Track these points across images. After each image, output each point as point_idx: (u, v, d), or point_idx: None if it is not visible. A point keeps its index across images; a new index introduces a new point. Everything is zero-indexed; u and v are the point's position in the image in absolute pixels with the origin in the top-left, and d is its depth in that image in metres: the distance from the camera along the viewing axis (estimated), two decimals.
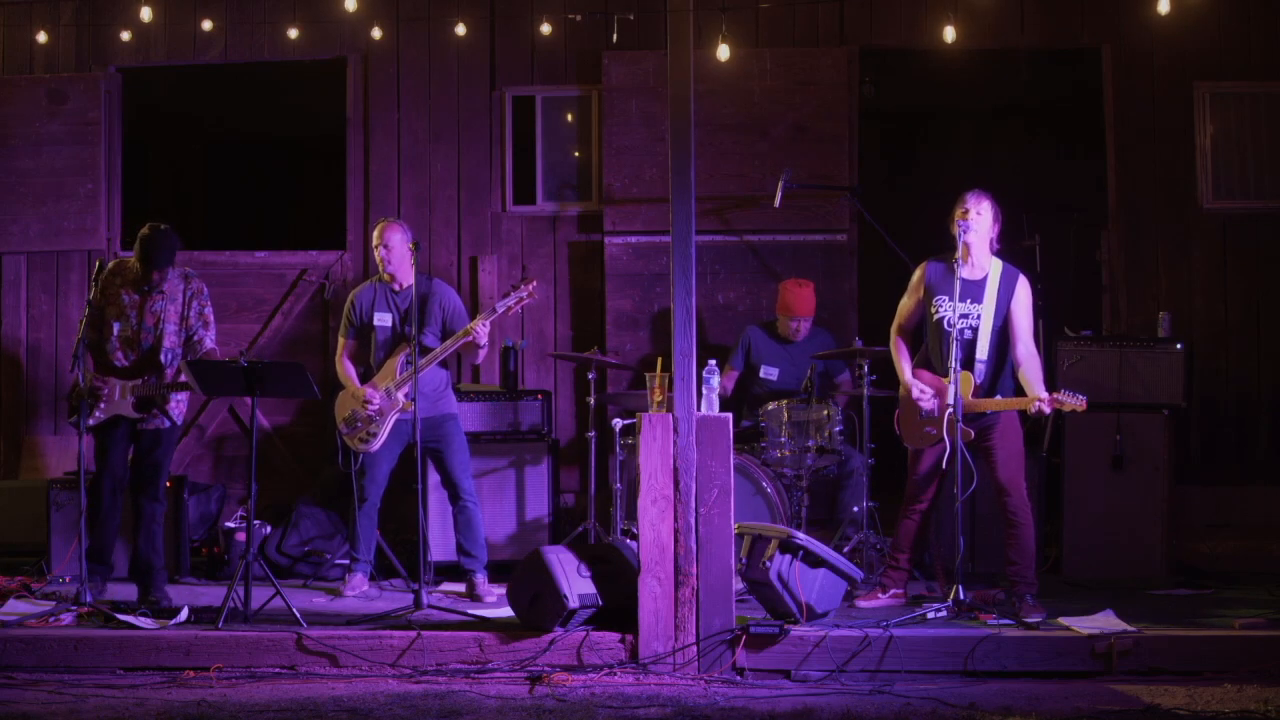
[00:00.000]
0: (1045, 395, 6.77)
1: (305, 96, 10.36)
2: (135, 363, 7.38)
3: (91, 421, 7.23)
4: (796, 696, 5.99)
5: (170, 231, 7.39)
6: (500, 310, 7.48)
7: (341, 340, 7.83)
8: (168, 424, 7.42)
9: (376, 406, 7.55)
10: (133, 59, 9.47)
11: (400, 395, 7.52)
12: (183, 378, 7.35)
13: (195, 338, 7.44)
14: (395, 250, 7.65)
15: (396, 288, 7.69)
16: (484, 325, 7.44)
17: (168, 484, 8.09)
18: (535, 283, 7.52)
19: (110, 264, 7.53)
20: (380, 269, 7.70)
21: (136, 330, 7.36)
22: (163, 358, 7.36)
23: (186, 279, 7.48)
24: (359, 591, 7.65)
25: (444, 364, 7.67)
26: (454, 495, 7.73)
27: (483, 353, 7.60)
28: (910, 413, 7.10)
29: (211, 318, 7.52)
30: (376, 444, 7.59)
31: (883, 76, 10.32)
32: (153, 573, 7.40)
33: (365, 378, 7.72)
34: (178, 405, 7.44)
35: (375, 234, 7.72)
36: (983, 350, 6.95)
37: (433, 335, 7.62)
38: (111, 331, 7.34)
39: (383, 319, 7.68)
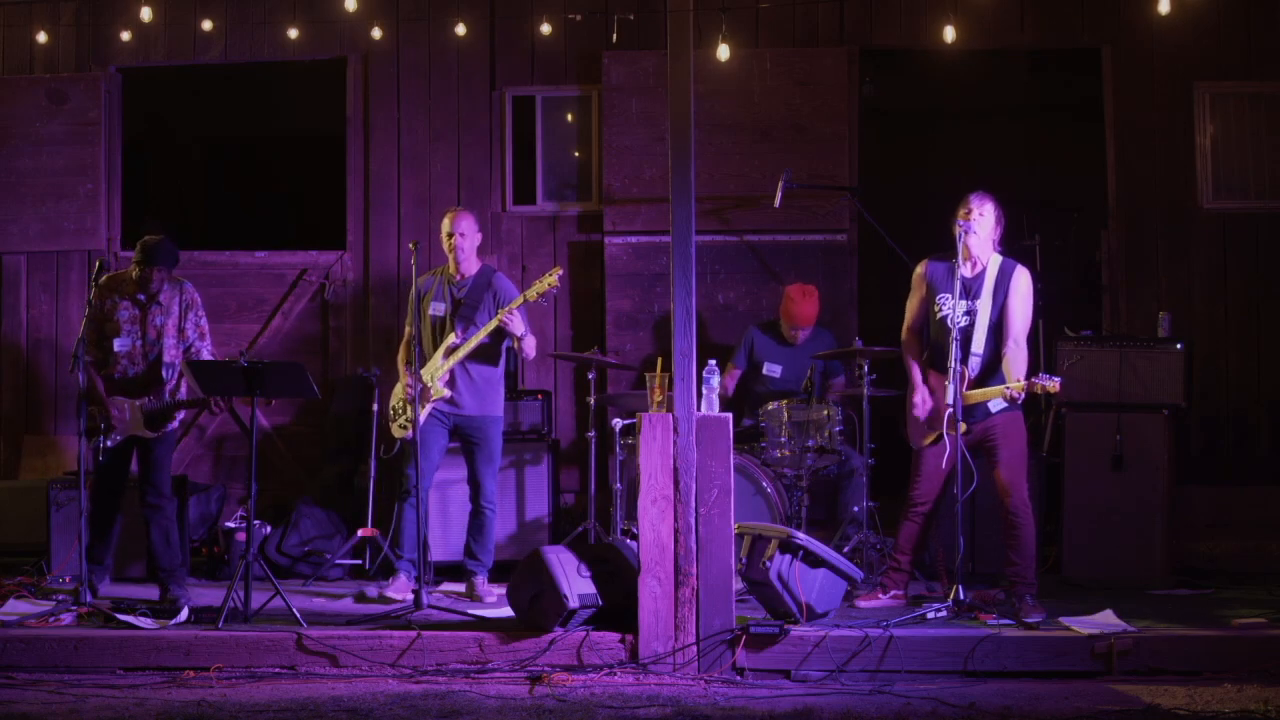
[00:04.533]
0: (1020, 381, 6.78)
1: (305, 96, 10.35)
2: (138, 377, 7.40)
3: (110, 444, 7.28)
4: (796, 696, 6.00)
5: (168, 240, 7.48)
6: (528, 300, 7.48)
7: (406, 330, 7.82)
8: (167, 429, 7.47)
9: (414, 394, 7.48)
10: (133, 59, 9.47)
11: (440, 383, 7.51)
12: (182, 394, 7.43)
13: (193, 349, 7.47)
14: (468, 237, 7.63)
15: (457, 277, 7.67)
16: (513, 315, 7.43)
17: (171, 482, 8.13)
18: (561, 271, 7.54)
19: (104, 278, 7.47)
20: (450, 259, 7.66)
21: (139, 345, 7.39)
22: (164, 373, 7.39)
23: (180, 289, 7.48)
24: (404, 594, 7.33)
25: (489, 359, 7.60)
26: (475, 494, 7.68)
27: (526, 343, 7.53)
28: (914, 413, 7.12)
29: (207, 328, 7.54)
30: (412, 431, 7.46)
31: (883, 76, 10.32)
32: (173, 573, 7.43)
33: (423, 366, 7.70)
34: (178, 415, 7.54)
35: (446, 222, 7.68)
36: (978, 344, 6.95)
37: (484, 326, 7.60)
38: (113, 347, 7.35)
39: (436, 308, 7.67)
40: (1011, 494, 6.90)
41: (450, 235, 7.66)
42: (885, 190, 9.67)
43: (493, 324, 7.49)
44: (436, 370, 7.55)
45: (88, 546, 7.36)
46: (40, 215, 9.39)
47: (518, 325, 7.46)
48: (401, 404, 7.68)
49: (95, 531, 7.47)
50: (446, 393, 7.41)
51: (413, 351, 7.58)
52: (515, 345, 7.60)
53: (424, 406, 7.52)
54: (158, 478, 7.44)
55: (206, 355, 7.48)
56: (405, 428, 7.63)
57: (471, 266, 7.69)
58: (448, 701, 5.91)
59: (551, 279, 7.46)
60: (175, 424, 7.53)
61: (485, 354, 7.60)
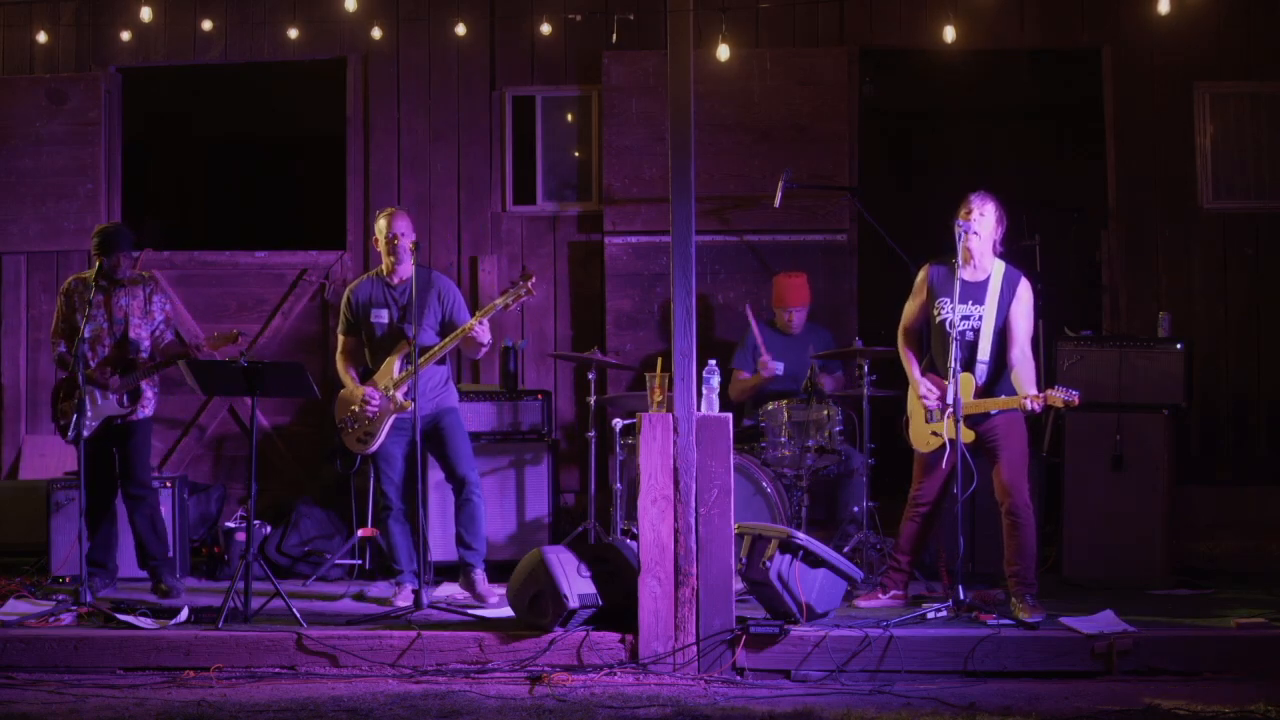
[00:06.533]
0: (1034, 393, 6.78)
1: (305, 96, 10.35)
2: (106, 359, 7.48)
3: (86, 433, 7.30)
4: (796, 696, 6.00)
5: (123, 226, 7.75)
6: (499, 308, 7.32)
7: (341, 338, 7.64)
8: (141, 415, 7.54)
9: (376, 407, 7.35)
10: (133, 59, 9.48)
11: (399, 395, 7.32)
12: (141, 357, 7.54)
13: (157, 333, 7.60)
14: (408, 237, 7.42)
15: (395, 280, 7.46)
16: (483, 324, 7.26)
17: (167, 484, 8.14)
18: (534, 279, 7.33)
19: (68, 280, 7.74)
20: (385, 260, 7.47)
21: (106, 327, 7.49)
22: (131, 352, 7.48)
23: (144, 280, 7.64)
24: (409, 603, 7.20)
25: (442, 359, 7.46)
26: (458, 487, 7.49)
27: (484, 350, 7.40)
28: (916, 416, 7.11)
29: (171, 312, 7.73)
30: (374, 445, 7.38)
31: (883, 76, 10.32)
32: (161, 561, 7.46)
33: (366, 376, 7.55)
34: (151, 398, 7.59)
35: (384, 222, 7.46)
36: (984, 351, 6.95)
37: (431, 329, 7.41)
38: (83, 334, 7.38)
39: (379, 315, 7.46)
40: (1012, 494, 6.89)
41: (392, 237, 7.41)
42: (885, 190, 9.67)
43: (462, 332, 7.25)
44: (393, 381, 7.35)
45: (89, 550, 7.37)
46: (40, 215, 9.40)
47: (486, 334, 7.27)
48: (354, 417, 7.44)
49: (97, 537, 7.48)
50: (410, 405, 7.20)
51: (352, 360, 7.54)
52: (468, 349, 7.41)
53: (387, 421, 7.37)
54: (136, 468, 7.53)
55: (170, 337, 7.64)
56: (364, 442, 7.41)
57: (408, 268, 7.45)
58: (448, 701, 5.91)
59: (525, 287, 7.25)
60: (149, 410, 7.57)
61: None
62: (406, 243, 7.43)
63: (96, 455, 7.43)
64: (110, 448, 7.54)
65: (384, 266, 7.54)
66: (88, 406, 7.36)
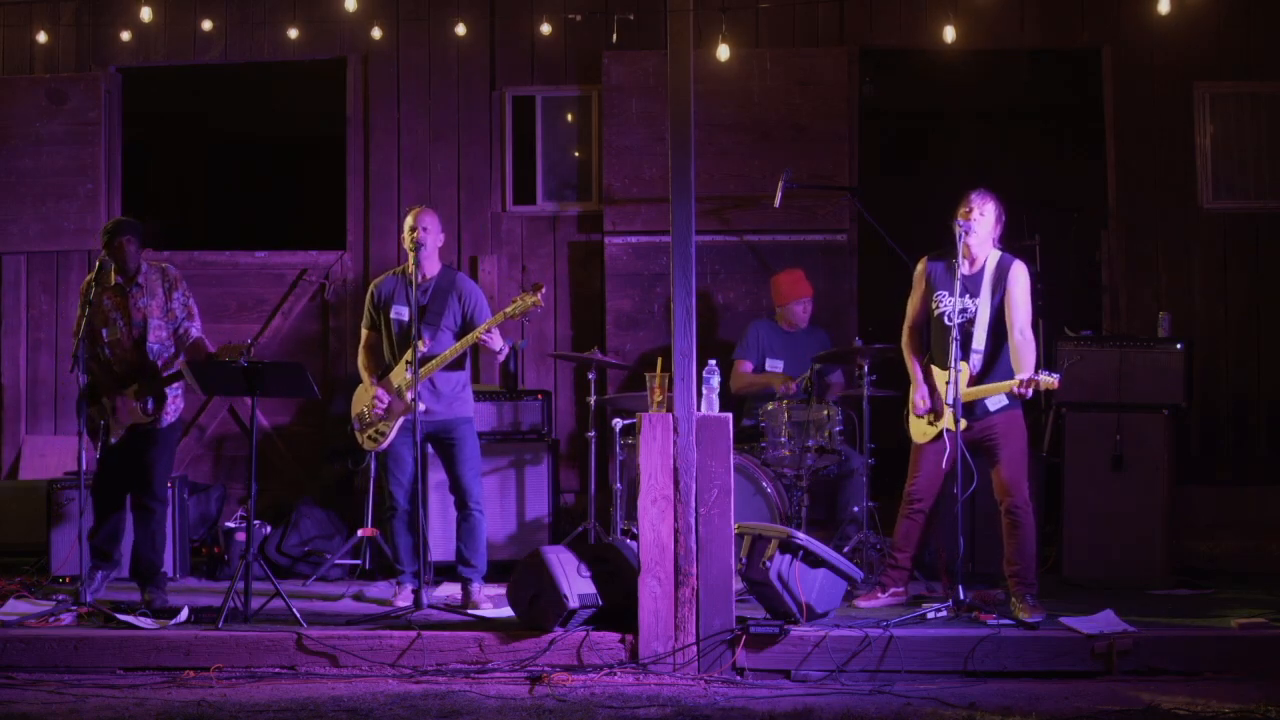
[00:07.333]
0: (1025, 376, 6.76)
1: (305, 97, 10.35)
2: (128, 363, 7.30)
3: (114, 440, 7.23)
4: (796, 696, 6.00)
5: (125, 217, 7.74)
6: (508, 317, 7.23)
7: (363, 332, 7.56)
8: (165, 421, 7.33)
9: (385, 406, 7.32)
10: (133, 59, 9.48)
11: (410, 395, 7.24)
12: (176, 367, 7.32)
13: (181, 330, 7.36)
14: (431, 234, 7.36)
15: (419, 279, 7.31)
16: (492, 332, 7.20)
17: (168, 484, 8.12)
18: (545, 289, 7.26)
19: (87, 279, 7.44)
20: (411, 256, 7.32)
21: (125, 329, 7.29)
22: (149, 351, 7.28)
23: (163, 272, 7.40)
24: (409, 603, 7.20)
25: (459, 363, 7.39)
26: (460, 501, 7.45)
27: (500, 356, 7.39)
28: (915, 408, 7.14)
29: (194, 307, 7.44)
30: (385, 444, 7.35)
31: (883, 76, 10.32)
32: (154, 573, 7.38)
33: (388, 372, 7.45)
34: (175, 402, 7.36)
35: (409, 219, 7.38)
36: (979, 340, 6.96)
37: (450, 331, 7.37)
38: (102, 338, 7.28)
39: (399, 311, 7.39)
40: (1012, 494, 6.90)
41: (414, 230, 7.32)
42: (885, 190, 9.67)
43: (471, 338, 7.22)
44: (406, 381, 7.27)
45: (98, 544, 7.34)
46: (40, 215, 9.40)
47: (497, 342, 7.23)
48: (368, 413, 7.41)
49: (104, 527, 7.40)
50: (422, 407, 7.18)
51: (373, 356, 7.48)
52: (486, 353, 7.39)
53: (397, 420, 7.33)
54: (153, 478, 7.34)
55: (196, 333, 7.38)
56: (375, 440, 7.39)
57: (433, 267, 7.40)
58: (448, 701, 5.92)
59: (535, 299, 7.18)
60: (173, 416, 7.35)
61: (450, 362, 7.35)
62: (429, 239, 7.35)
63: (120, 449, 7.32)
64: (130, 447, 7.41)
65: (409, 263, 7.44)
66: (114, 419, 7.27)
